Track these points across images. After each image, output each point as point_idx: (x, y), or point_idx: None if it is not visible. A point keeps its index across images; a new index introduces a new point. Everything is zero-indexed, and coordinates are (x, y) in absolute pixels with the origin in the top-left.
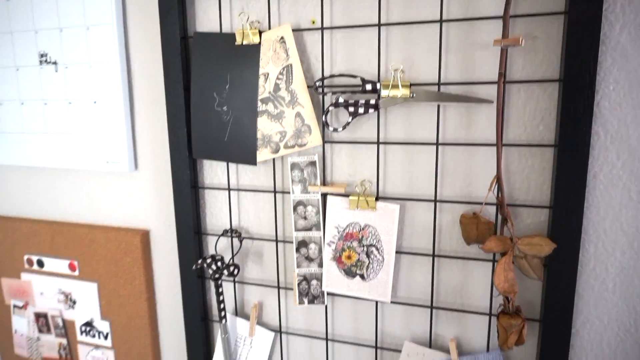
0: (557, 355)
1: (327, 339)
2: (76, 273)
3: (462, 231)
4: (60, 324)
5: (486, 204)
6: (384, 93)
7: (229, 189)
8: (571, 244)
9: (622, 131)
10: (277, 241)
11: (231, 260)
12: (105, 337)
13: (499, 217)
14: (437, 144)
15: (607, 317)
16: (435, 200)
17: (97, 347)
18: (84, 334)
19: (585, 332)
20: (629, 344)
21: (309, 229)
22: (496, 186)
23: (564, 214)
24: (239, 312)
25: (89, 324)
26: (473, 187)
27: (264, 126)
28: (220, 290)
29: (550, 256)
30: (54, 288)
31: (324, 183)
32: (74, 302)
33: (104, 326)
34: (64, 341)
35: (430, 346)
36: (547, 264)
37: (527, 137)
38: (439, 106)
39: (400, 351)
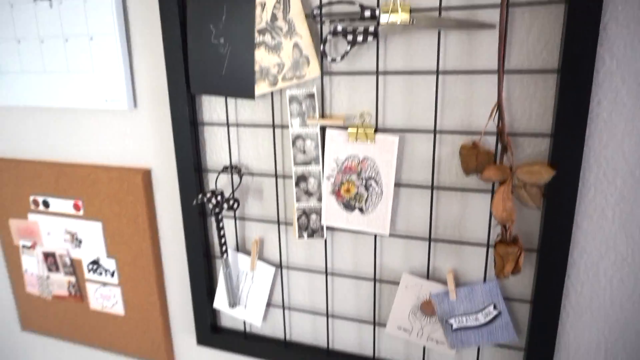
0: (552, 284)
1: (326, 273)
2: (81, 213)
3: (461, 162)
4: (68, 262)
5: (486, 133)
6: (383, 19)
7: (228, 125)
8: (571, 172)
9: (629, 55)
10: (276, 176)
11: (231, 195)
12: (112, 275)
13: (499, 146)
14: (437, 72)
15: (604, 247)
16: (434, 132)
17: (104, 284)
18: (91, 272)
19: (582, 262)
20: (625, 272)
21: (308, 163)
22: (497, 114)
23: (564, 141)
24: (240, 248)
25: (95, 262)
26: (474, 118)
27: (262, 58)
28: (221, 225)
29: (549, 185)
30: (60, 228)
31: (322, 116)
32: (80, 242)
33: (110, 264)
34: (72, 279)
35: (428, 278)
36: (545, 194)
37: (529, 64)
38: (439, 33)
39: (398, 283)
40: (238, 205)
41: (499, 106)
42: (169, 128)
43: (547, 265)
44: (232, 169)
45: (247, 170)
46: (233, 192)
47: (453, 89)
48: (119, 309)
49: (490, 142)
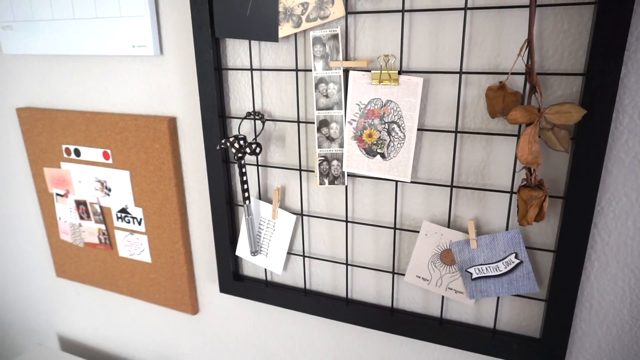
0: (578, 233)
1: (347, 221)
2: (110, 161)
3: (487, 105)
4: (99, 210)
5: (514, 73)
6: None
7: (252, 69)
8: (603, 113)
9: None
10: (298, 122)
11: (254, 140)
12: (139, 223)
13: (527, 87)
14: (465, 8)
15: (635, 194)
16: (460, 72)
17: (132, 232)
18: (120, 220)
19: (611, 209)
20: None
21: (331, 108)
22: (526, 51)
23: (598, 79)
24: (262, 197)
25: (124, 210)
26: (502, 58)
27: None
28: (243, 170)
29: (578, 128)
30: (90, 177)
31: (346, 58)
32: (110, 190)
33: (137, 212)
34: (102, 227)
35: (448, 226)
36: (574, 137)
37: None
38: None
39: (418, 232)
40: (260, 149)
41: (529, 43)
42: (194, 74)
43: (573, 212)
44: (255, 115)
45: (270, 116)
46: (256, 137)
47: (481, 27)
48: (145, 257)
49: (518, 83)
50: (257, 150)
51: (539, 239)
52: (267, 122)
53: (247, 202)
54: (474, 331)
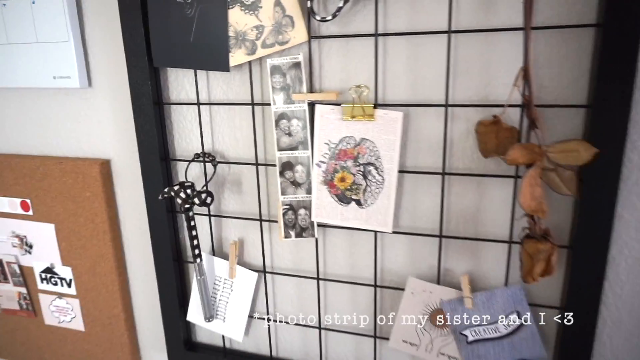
0: (588, 287)
1: (318, 278)
2: (30, 213)
3: (478, 142)
4: (18, 271)
5: (510, 105)
6: None
7: (199, 103)
8: (614, 151)
9: None
10: (257, 164)
11: (204, 188)
12: (69, 285)
13: (525, 121)
14: (449, 31)
15: None
16: (446, 105)
17: (60, 295)
18: (44, 282)
19: (623, 259)
20: None
21: (295, 148)
22: (522, 81)
23: (606, 112)
24: (216, 251)
25: (49, 270)
26: (492, 88)
27: (237, 20)
28: (192, 224)
29: (585, 168)
30: (6, 231)
31: (311, 90)
32: (31, 247)
33: (65, 272)
34: (23, 290)
35: (438, 282)
36: (582, 178)
37: (560, 18)
38: None
39: (403, 289)
40: (212, 199)
41: (526, 71)
42: (130, 110)
43: (583, 264)
44: (205, 156)
45: (223, 158)
46: (206, 183)
47: (468, 53)
48: (78, 324)
49: (512, 117)
50: (208, 200)
51: (543, 294)
52: (219, 164)
53: (198, 260)
54: None
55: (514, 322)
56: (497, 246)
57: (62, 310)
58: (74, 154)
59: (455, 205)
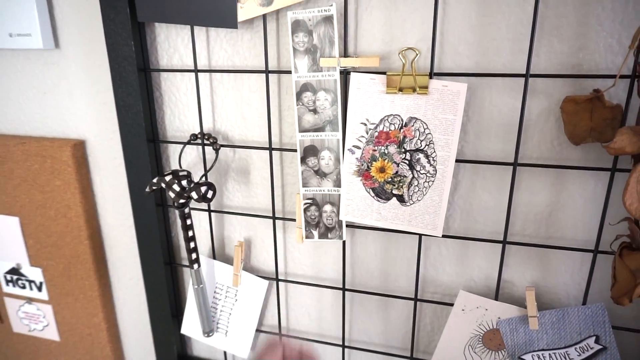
0: None
1: (344, 289)
2: None
3: (565, 124)
4: None
5: (607, 76)
6: None
7: (196, 70)
8: None
9: None
10: (270, 149)
11: (203, 179)
12: (39, 288)
13: (634, 98)
14: None
15: None
16: (527, 75)
17: (30, 300)
18: (10, 285)
19: None
20: None
21: (321, 129)
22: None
23: None
24: (217, 254)
25: (15, 271)
26: (587, 52)
27: None
28: (188, 223)
29: None
30: None
31: (345, 54)
32: None
33: (35, 274)
34: None
35: (496, 297)
36: None
37: None
38: None
39: (451, 304)
40: (213, 193)
41: None
42: (108, 78)
43: None
44: (204, 138)
45: (227, 140)
46: (206, 173)
47: (556, 5)
48: (52, 334)
49: (614, 92)
50: (209, 194)
51: (627, 314)
52: (222, 148)
53: (196, 266)
54: None
55: (590, 347)
56: (573, 256)
57: (32, 317)
58: (40, 133)
59: (523, 203)
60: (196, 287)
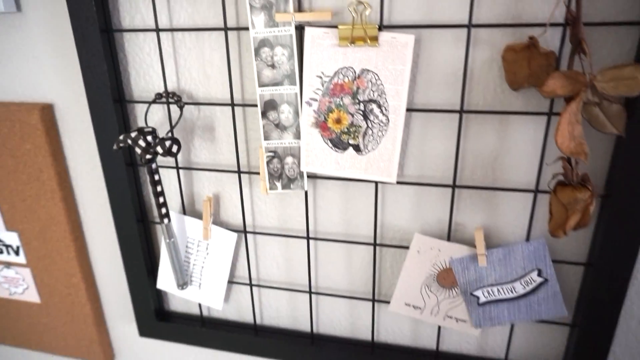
0: (624, 239)
1: (308, 237)
2: None
3: (505, 71)
4: None
5: (540, 24)
6: None
7: (158, 30)
8: None
9: None
10: (233, 105)
11: (168, 133)
12: (16, 252)
13: (566, 45)
14: None
15: None
16: (469, 25)
17: (7, 265)
18: None
19: None
20: None
21: (280, 83)
22: None
23: None
24: (187, 210)
25: None
26: (526, 3)
27: None
28: (156, 178)
29: (633, 102)
30: None
31: (299, 9)
32: None
33: (11, 238)
34: None
35: (448, 239)
36: (630, 115)
37: None
38: None
39: (407, 247)
40: (178, 147)
41: None
42: (72, 40)
43: (621, 213)
44: (168, 97)
45: (191, 98)
46: (171, 129)
47: None
48: (32, 296)
49: (549, 40)
50: (173, 148)
51: (566, 249)
52: (186, 106)
53: (166, 220)
54: None
55: (533, 280)
56: (517, 197)
57: (11, 281)
58: (7, 98)
59: (471, 149)
60: (168, 241)
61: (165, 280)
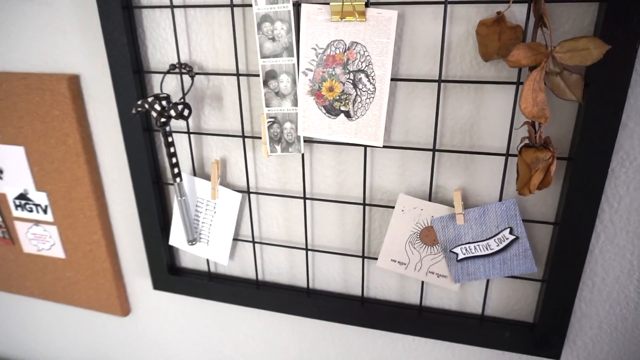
0: (587, 201)
1: (304, 198)
2: None
3: (479, 44)
4: None
5: (515, 1)
6: None
7: (172, 6)
8: (627, 50)
9: None
10: (238, 75)
11: (181, 99)
12: (45, 211)
13: (531, 20)
14: None
15: None
16: (445, 2)
17: (37, 223)
18: (19, 209)
19: (623, 171)
20: None
21: (279, 55)
22: None
23: (620, 5)
24: (197, 172)
25: (23, 196)
26: None
27: None
28: (170, 140)
29: (592, 73)
30: None
31: None
32: (1, 172)
33: (41, 198)
34: None
35: (430, 199)
36: (588, 83)
37: None
38: None
39: (393, 207)
40: (189, 111)
41: None
42: (97, 16)
43: (583, 176)
44: (182, 67)
45: (201, 69)
46: (184, 96)
47: None
48: (58, 252)
49: (518, 15)
50: (185, 112)
51: (536, 210)
52: (197, 76)
53: (178, 179)
54: (459, 319)
55: (506, 238)
56: (493, 160)
57: (40, 238)
58: (38, 69)
59: (450, 116)
60: (179, 199)
61: (177, 237)
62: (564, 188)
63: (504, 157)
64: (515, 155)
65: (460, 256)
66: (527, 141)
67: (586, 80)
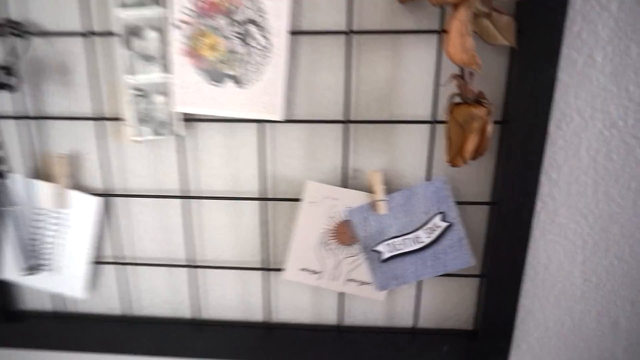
0: (525, 169)
1: (185, 197)
2: None
3: None
4: None
5: None
6: None
7: None
8: None
9: None
10: (88, 34)
11: (9, 66)
12: None
13: None
14: None
15: (590, 109)
16: None
17: None
18: None
19: (560, 134)
20: (614, 142)
21: (143, 4)
22: None
23: None
24: (37, 172)
25: None
26: None
27: None
28: None
29: (524, 14)
30: None
31: None
32: None
33: None
34: None
35: (345, 185)
36: (521, 29)
37: None
38: None
39: (297, 200)
40: (16, 79)
41: None
42: None
43: (520, 140)
44: (9, 25)
45: (38, 29)
46: (9, 58)
47: None
48: None
49: None
50: (11, 81)
51: (470, 190)
52: (39, 43)
53: (1, 180)
54: (388, 336)
55: (437, 226)
56: (417, 131)
57: None
58: None
59: (364, 80)
60: (8, 210)
61: (11, 267)
62: (499, 159)
63: (429, 126)
64: (443, 122)
65: (385, 255)
66: (457, 99)
67: (520, 25)
